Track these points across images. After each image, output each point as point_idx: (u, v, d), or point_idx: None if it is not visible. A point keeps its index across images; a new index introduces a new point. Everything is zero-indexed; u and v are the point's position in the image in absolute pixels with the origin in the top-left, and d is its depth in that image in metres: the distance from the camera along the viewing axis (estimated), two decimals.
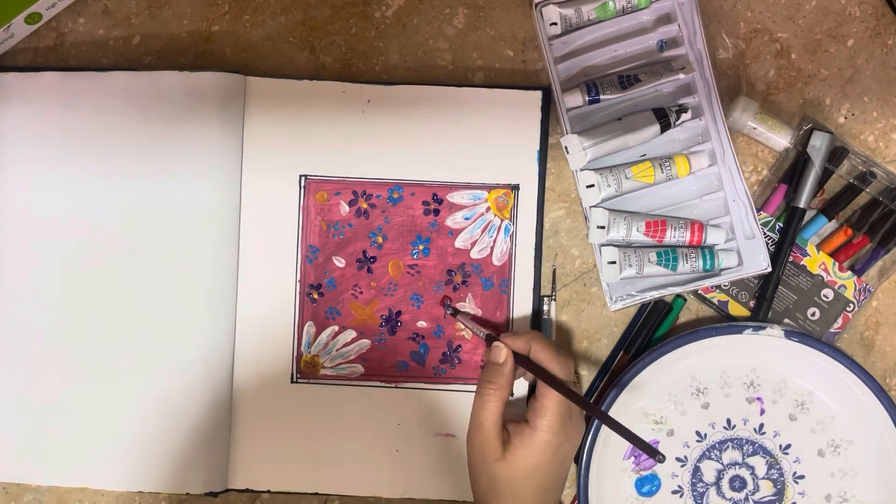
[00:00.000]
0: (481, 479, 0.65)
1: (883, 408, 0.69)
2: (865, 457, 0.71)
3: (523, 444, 0.64)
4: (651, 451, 0.60)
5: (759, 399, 0.72)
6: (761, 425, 0.72)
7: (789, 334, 0.70)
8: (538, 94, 0.72)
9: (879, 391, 0.69)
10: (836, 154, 0.72)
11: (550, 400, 0.64)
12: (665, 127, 0.69)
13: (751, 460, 0.72)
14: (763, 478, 0.72)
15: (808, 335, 0.70)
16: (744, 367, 0.72)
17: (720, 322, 0.72)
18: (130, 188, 0.72)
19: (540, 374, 0.64)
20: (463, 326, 0.72)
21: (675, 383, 0.72)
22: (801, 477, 0.72)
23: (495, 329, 0.72)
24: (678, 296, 0.73)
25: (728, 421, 0.72)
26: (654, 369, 0.70)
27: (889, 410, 0.69)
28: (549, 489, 0.65)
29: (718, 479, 0.72)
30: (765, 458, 0.72)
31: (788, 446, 0.72)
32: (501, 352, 0.66)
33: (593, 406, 0.65)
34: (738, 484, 0.72)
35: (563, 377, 0.65)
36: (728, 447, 0.72)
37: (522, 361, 0.66)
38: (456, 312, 0.72)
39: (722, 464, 0.72)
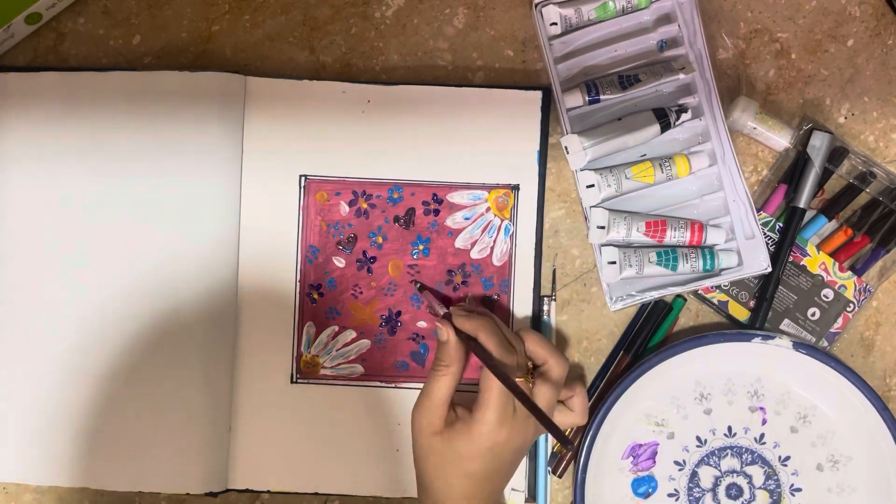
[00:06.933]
0: (417, 450, 0.65)
1: (885, 426, 0.69)
2: (864, 474, 0.71)
3: (462, 430, 0.63)
4: (563, 440, 0.60)
5: (762, 409, 0.72)
6: (762, 435, 0.72)
7: (797, 346, 0.69)
8: (538, 94, 0.72)
9: (883, 409, 0.69)
10: (836, 154, 0.72)
11: (491, 393, 0.63)
12: (665, 127, 0.69)
13: (749, 469, 0.72)
14: (760, 487, 0.72)
15: (817, 348, 0.70)
16: (749, 375, 0.71)
17: (728, 328, 0.72)
18: (130, 188, 0.72)
19: (484, 361, 0.63)
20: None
21: (679, 387, 0.72)
22: (798, 489, 0.71)
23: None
24: (678, 296, 0.73)
25: (729, 428, 0.72)
26: (659, 372, 0.70)
27: (892, 429, 0.69)
28: (481, 481, 0.64)
29: (715, 485, 0.72)
30: (763, 468, 0.72)
31: (788, 458, 0.72)
32: (442, 331, 0.66)
33: (527, 398, 0.62)
34: (734, 492, 0.72)
35: (509, 367, 0.63)
36: (727, 454, 0.72)
37: (469, 344, 0.65)
38: (423, 288, 0.72)
39: (720, 471, 0.72)
